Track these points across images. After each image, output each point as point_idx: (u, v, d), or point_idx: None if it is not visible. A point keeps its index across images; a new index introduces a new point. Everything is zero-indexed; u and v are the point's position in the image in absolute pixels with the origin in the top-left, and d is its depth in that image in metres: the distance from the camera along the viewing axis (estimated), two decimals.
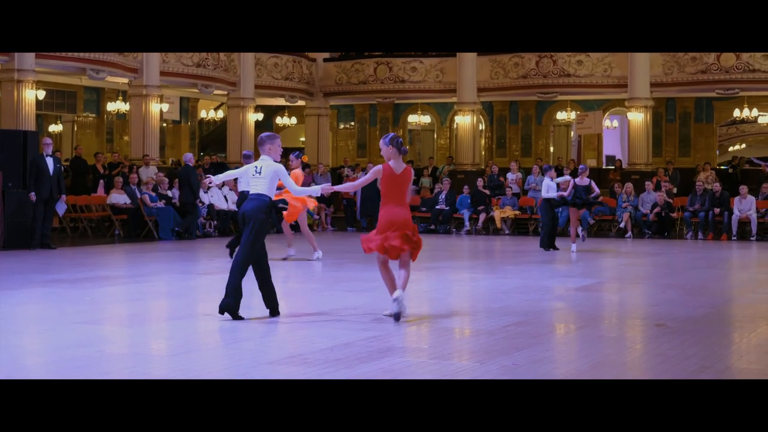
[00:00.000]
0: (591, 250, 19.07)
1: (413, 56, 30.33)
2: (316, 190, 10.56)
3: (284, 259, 16.07)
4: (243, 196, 14.84)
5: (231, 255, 14.90)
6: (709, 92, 28.53)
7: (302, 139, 33.04)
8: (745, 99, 28.98)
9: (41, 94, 24.33)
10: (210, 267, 15.59)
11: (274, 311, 9.92)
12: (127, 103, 26.85)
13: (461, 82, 29.56)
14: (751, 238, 22.80)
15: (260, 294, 9.91)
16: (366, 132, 33.14)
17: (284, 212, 15.02)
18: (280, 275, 15.10)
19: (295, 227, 17.00)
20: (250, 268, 9.77)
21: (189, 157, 23.21)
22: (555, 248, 18.71)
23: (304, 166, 16.12)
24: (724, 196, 23.32)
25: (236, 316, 9.55)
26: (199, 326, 10.04)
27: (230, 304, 9.55)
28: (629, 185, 24.53)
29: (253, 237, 9.63)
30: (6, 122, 21.93)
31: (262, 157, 10.01)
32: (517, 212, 25.02)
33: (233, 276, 9.60)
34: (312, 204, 16.49)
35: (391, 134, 10.08)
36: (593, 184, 18.56)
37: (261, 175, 9.80)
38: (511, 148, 31.62)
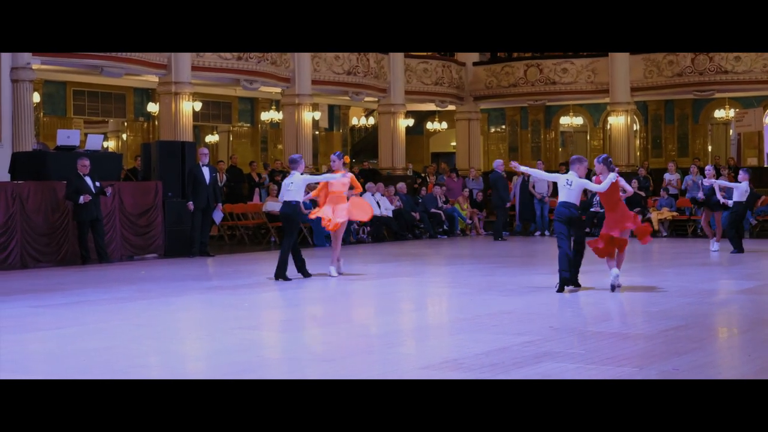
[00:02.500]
0: (754, 251, 18.49)
1: (564, 57, 29.98)
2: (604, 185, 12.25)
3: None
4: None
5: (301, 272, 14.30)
6: None
7: (453, 143, 33.04)
8: None
9: (197, 106, 24.97)
10: (364, 273, 15.67)
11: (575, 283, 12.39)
12: (280, 112, 27.32)
13: (614, 82, 29.10)
14: None
15: None
16: (517, 135, 32.93)
17: (325, 220, 14.47)
18: (431, 280, 15.12)
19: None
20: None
21: (498, 164, 23.60)
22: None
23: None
24: None
25: (577, 284, 12.29)
26: (354, 331, 10.13)
27: (567, 278, 12.11)
28: None
29: (579, 231, 12.61)
30: (165, 134, 22.58)
31: (570, 171, 12.30)
32: (675, 213, 24.43)
33: (566, 258, 12.11)
34: (367, 216, 15.48)
35: (604, 155, 12.95)
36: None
37: (571, 187, 12.16)
38: (667, 148, 30.92)
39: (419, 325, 10.69)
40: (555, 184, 25.46)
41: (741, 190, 18.09)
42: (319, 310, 11.93)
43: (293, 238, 14.29)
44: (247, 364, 7.87)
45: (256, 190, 23.80)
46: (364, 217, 15.47)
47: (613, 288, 12.10)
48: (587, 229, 24.68)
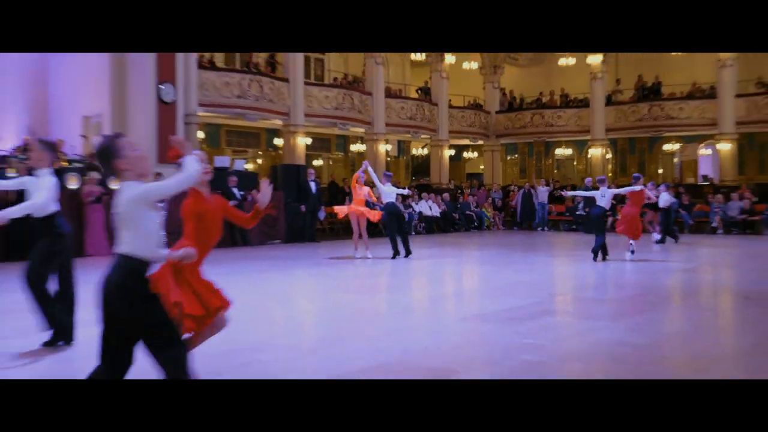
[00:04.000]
0: (691, 244, 18.18)
1: (559, 108, 29.93)
2: None
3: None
4: (388, 205, 14.47)
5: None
6: None
7: (482, 167, 32.90)
8: None
9: (308, 140, 25.14)
10: (418, 252, 15.61)
11: None
12: (364, 145, 27.45)
13: (594, 124, 28.85)
14: None
15: None
16: (526, 161, 32.68)
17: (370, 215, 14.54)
18: (466, 260, 15.04)
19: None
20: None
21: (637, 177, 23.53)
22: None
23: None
24: None
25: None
26: (413, 294, 10.05)
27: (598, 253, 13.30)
28: (720, 196, 23.22)
29: (601, 224, 13.40)
30: (286, 159, 22.82)
31: (601, 188, 13.46)
32: None
33: (601, 244, 13.23)
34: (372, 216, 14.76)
35: (636, 174, 14.39)
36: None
37: (604, 197, 13.32)
38: (630, 171, 30.36)
39: (457, 290, 10.72)
40: (550, 195, 25.44)
41: (664, 198, 18.34)
42: (387, 280, 11.95)
43: (396, 225, 14.58)
44: (342, 317, 7.95)
45: (347, 198, 23.85)
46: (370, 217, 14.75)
47: (632, 252, 13.53)
48: (574, 227, 24.53)
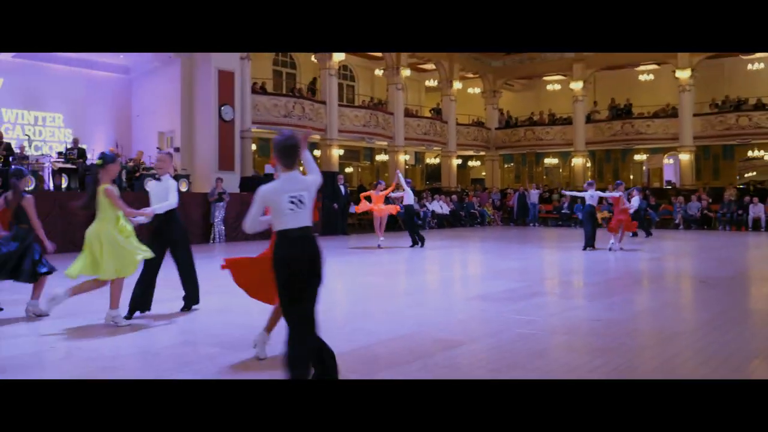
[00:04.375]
0: (657, 237, 17.92)
1: (547, 125, 29.67)
2: None
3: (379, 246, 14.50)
4: (408, 206, 14.50)
5: None
6: (732, 141, 26.29)
7: (483, 173, 32.67)
8: (755, 145, 26.60)
9: (341, 152, 25.09)
10: (431, 243, 15.50)
11: None
12: (387, 155, 27.35)
13: (576, 138, 28.49)
14: (761, 230, 20.80)
15: None
16: (520, 169, 32.42)
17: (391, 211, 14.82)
18: (470, 249, 14.92)
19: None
20: None
21: (619, 183, 23.14)
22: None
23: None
24: (743, 203, 21.46)
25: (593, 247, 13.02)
26: (427, 277, 9.98)
27: (589, 244, 13.23)
28: (681, 198, 22.91)
29: (593, 219, 13.42)
30: (323, 167, 22.74)
31: (590, 190, 13.46)
32: (611, 214, 23.58)
33: (589, 234, 13.18)
34: (393, 210, 15.09)
35: (618, 181, 14.38)
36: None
37: (592, 196, 13.34)
38: (607, 177, 30.01)
39: (463, 275, 10.62)
40: (540, 196, 25.22)
41: (635, 201, 18.06)
42: (405, 266, 11.82)
43: (413, 221, 14.79)
44: (367, 295, 7.90)
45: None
46: (391, 211, 15.13)
47: (610, 249, 13.11)
48: (560, 223, 24.31)
